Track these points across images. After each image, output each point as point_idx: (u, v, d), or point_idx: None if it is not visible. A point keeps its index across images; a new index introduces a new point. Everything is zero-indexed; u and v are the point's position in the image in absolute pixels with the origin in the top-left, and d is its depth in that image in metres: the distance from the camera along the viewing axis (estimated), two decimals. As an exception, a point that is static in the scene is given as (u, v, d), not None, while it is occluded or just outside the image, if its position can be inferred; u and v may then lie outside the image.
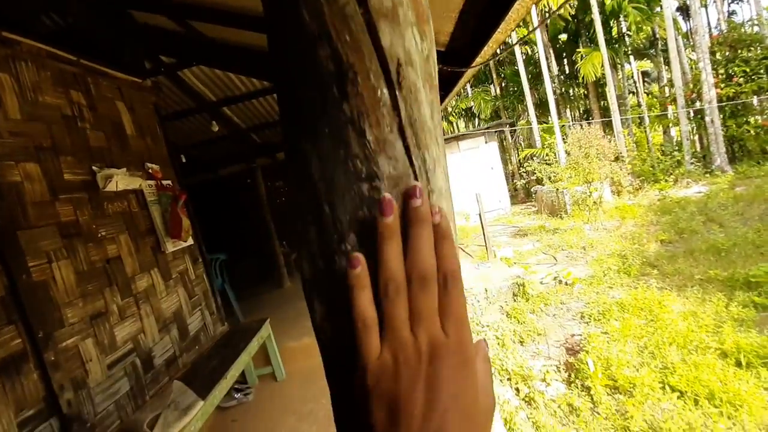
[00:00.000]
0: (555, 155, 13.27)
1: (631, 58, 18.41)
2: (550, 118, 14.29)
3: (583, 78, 14.72)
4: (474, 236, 10.10)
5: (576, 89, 17.93)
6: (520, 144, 19.50)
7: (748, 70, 11.72)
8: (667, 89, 17.46)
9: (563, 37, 16.43)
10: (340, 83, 0.28)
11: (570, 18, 15.26)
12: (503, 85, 19.08)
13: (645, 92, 21.32)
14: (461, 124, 22.47)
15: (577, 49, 14.91)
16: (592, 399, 3.23)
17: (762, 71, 11.60)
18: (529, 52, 17.46)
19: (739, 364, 3.22)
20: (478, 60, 2.01)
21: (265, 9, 0.32)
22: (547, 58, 15.07)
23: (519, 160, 17.34)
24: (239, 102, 4.95)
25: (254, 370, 3.67)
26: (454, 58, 2.37)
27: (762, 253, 5.31)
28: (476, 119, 20.77)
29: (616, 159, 10.69)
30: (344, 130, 0.28)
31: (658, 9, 13.91)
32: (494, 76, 19.14)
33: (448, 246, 0.30)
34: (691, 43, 14.50)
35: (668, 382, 3.15)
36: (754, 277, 4.50)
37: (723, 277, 4.81)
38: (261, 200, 6.50)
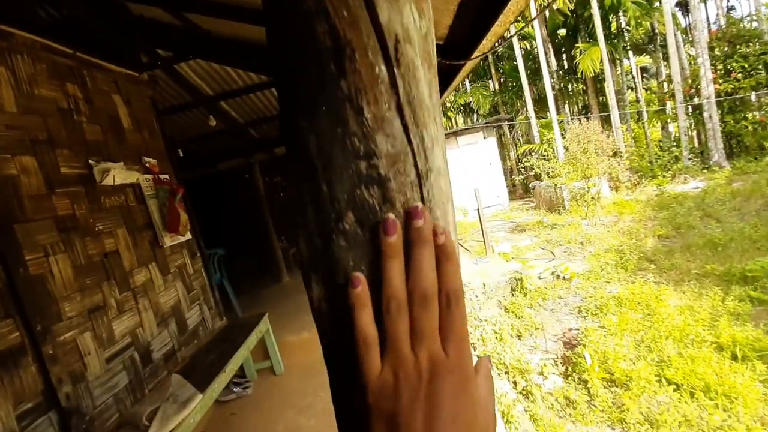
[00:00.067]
0: (553, 151, 13.26)
1: (630, 53, 18.36)
2: (548, 114, 14.28)
3: (581, 73, 14.67)
4: (472, 231, 10.11)
5: (575, 85, 17.88)
6: (519, 140, 19.49)
7: (746, 65, 11.71)
8: (665, 85, 17.44)
9: (562, 32, 16.36)
10: (337, 60, 0.28)
11: (569, 13, 15.18)
12: (502, 80, 19.01)
13: (644, 88, 21.31)
14: (460, 119, 22.42)
15: (576, 45, 14.85)
16: (589, 392, 3.25)
17: (760, 67, 11.59)
18: (528, 47, 17.37)
19: (734, 357, 3.25)
20: (477, 53, 2.01)
21: (263, -16, 0.32)
22: (546, 54, 15.02)
23: (517, 156, 17.33)
24: (237, 96, 4.93)
25: (253, 364, 3.68)
26: (453, 52, 2.36)
27: (758, 247, 5.34)
28: (475, 115, 20.72)
29: (615, 154, 10.69)
30: (342, 108, 0.28)
31: (658, 4, 13.86)
32: (493, 71, 19.07)
33: (451, 266, 0.30)
34: (690, 39, 14.46)
35: (664, 375, 3.18)
36: (750, 272, 4.53)
37: (720, 271, 4.84)
38: (259, 195, 6.49)
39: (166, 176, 3.22)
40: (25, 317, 1.84)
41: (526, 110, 15.59)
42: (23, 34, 2.20)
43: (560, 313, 4.87)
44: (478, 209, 7.38)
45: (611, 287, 5.18)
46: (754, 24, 14.41)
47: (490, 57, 18.34)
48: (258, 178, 6.47)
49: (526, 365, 3.70)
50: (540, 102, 16.41)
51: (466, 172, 13.17)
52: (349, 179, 0.29)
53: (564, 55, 17.66)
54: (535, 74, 16.45)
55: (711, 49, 12.36)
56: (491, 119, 15.58)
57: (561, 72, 17.28)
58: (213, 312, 3.55)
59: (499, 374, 3.69)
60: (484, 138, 14.06)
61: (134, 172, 2.81)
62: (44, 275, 1.99)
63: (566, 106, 18.05)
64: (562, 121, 14.54)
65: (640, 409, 2.90)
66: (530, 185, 14.59)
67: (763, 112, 12.19)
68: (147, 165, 3.03)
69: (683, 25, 18.03)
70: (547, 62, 14.95)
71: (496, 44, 2.04)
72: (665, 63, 17.16)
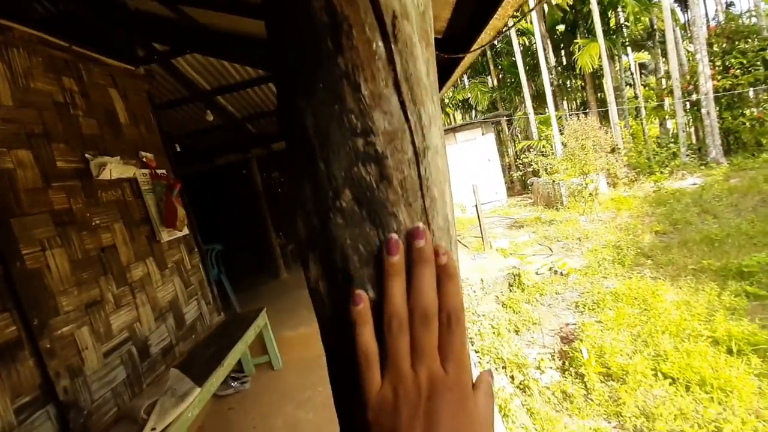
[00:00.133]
0: (551, 147, 13.27)
1: (629, 49, 18.34)
2: (547, 110, 14.27)
3: (580, 69, 14.66)
4: (470, 228, 10.13)
5: (573, 81, 17.87)
6: (517, 136, 19.49)
7: (744, 61, 11.72)
8: (663, 81, 17.45)
9: (561, 27, 16.32)
10: (334, 36, 0.27)
11: (568, 8, 15.15)
12: (500, 76, 18.97)
13: (642, 84, 21.31)
14: (458, 115, 22.39)
15: (575, 40, 14.82)
16: (585, 386, 3.27)
17: (759, 63, 11.60)
18: (527, 43, 17.33)
19: (730, 351, 3.27)
20: (476, 46, 2.00)
21: (259, -40, 0.31)
22: (544, 49, 14.99)
23: (516, 152, 17.34)
24: (234, 91, 4.90)
25: (251, 359, 3.68)
26: (452, 46, 2.35)
27: (755, 243, 5.37)
28: (473, 111, 20.68)
29: (612, 151, 10.71)
30: (339, 85, 0.28)
31: (656, 0, 13.85)
32: (491, 67, 19.03)
33: (452, 286, 0.31)
34: (689, 35, 14.45)
35: (660, 369, 3.20)
36: (746, 267, 4.55)
37: (716, 267, 4.87)
38: (257, 191, 6.47)
39: (163, 171, 3.21)
40: (22, 311, 1.83)
41: (525, 106, 15.58)
42: (20, 28, 2.18)
43: (557, 308, 4.89)
44: (476, 205, 7.39)
45: (608, 282, 5.20)
46: (753, 20, 14.41)
47: (488, 53, 18.32)
48: (255, 174, 6.45)
49: (523, 360, 3.72)
50: (538, 98, 16.40)
51: (465, 169, 13.17)
52: (347, 157, 0.29)
53: (562, 51, 17.63)
54: (533, 70, 16.42)
55: (710, 45, 12.36)
56: (489, 115, 15.56)
57: (559, 68, 17.26)
58: (211, 307, 3.55)
59: (496, 369, 3.71)
60: (483, 134, 14.05)
61: (131, 166, 2.80)
62: (41, 269, 1.98)
63: (564, 102, 18.06)
64: (560, 118, 14.54)
65: (636, 403, 2.92)
66: (528, 181, 14.60)
67: (760, 108, 12.21)
68: (144, 160, 3.01)
69: (682, 21, 18.01)
70: (546, 58, 14.92)
71: (495, 38, 2.03)
72: (664, 59, 17.15)
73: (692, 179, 10.77)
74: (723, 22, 15.32)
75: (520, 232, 9.24)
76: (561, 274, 5.76)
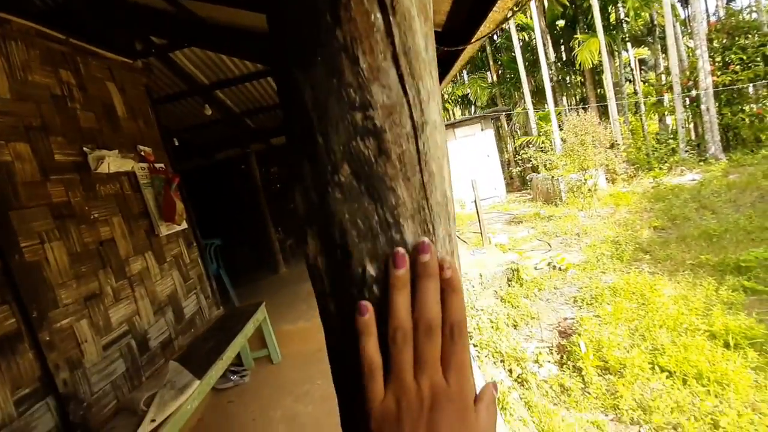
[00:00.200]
0: (551, 143, 13.26)
1: (629, 45, 18.29)
2: (546, 106, 14.24)
3: (580, 65, 14.62)
4: (469, 223, 10.14)
5: (573, 77, 17.82)
6: (516, 132, 19.46)
7: (744, 57, 11.68)
8: (663, 77, 17.42)
9: (561, 23, 16.25)
10: (333, 8, 0.27)
11: (568, 3, 15.08)
12: (500, 72, 18.90)
13: (642, 80, 21.27)
14: (457, 111, 22.33)
15: (575, 36, 14.76)
16: (583, 379, 3.29)
17: (759, 59, 11.57)
18: (527, 39, 17.26)
19: (727, 345, 3.29)
20: (475, 38, 1.99)
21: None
22: (544, 45, 14.93)
23: (515, 148, 17.31)
24: (232, 85, 4.88)
25: (250, 352, 3.70)
26: (452, 39, 2.34)
27: (753, 238, 5.39)
28: (472, 107, 20.63)
29: (612, 146, 10.71)
30: (337, 58, 0.28)
31: (657, -5, 13.79)
32: (491, 62, 18.96)
33: (456, 299, 0.32)
34: (689, 30, 14.38)
35: (658, 363, 3.21)
36: (744, 262, 4.57)
37: (714, 262, 4.88)
38: (256, 186, 6.46)
39: (162, 165, 3.20)
40: (21, 303, 1.83)
41: (524, 102, 15.54)
42: (18, 21, 2.17)
43: (556, 303, 4.91)
44: (475, 201, 7.39)
45: (606, 277, 5.22)
46: (754, 15, 14.35)
47: (488, 48, 18.25)
48: (254, 169, 6.44)
49: (521, 354, 3.73)
50: (538, 94, 16.36)
51: (464, 164, 13.15)
52: (345, 131, 0.29)
53: (562, 47, 17.58)
54: (533, 66, 16.37)
55: (710, 40, 12.32)
56: (489, 111, 15.53)
57: (559, 64, 17.21)
58: (210, 301, 3.55)
59: (494, 362, 3.73)
60: (482, 130, 14.02)
61: (129, 160, 2.79)
62: (40, 262, 1.98)
63: (564, 98, 18.02)
64: (559, 113, 14.52)
65: (633, 396, 2.94)
66: (527, 177, 14.60)
67: (760, 104, 12.20)
68: (142, 153, 3.01)
69: (682, 16, 17.93)
70: (546, 54, 14.88)
71: (494, 30, 2.03)
72: (664, 55, 17.10)
73: (691, 175, 10.78)
74: (723, 17, 15.27)
75: (518, 227, 9.26)
76: (559, 269, 5.78)
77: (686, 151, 12.69)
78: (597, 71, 15.44)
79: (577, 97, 18.53)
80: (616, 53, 16.40)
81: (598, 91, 16.12)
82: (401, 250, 0.30)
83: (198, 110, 5.06)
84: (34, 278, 1.93)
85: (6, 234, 1.83)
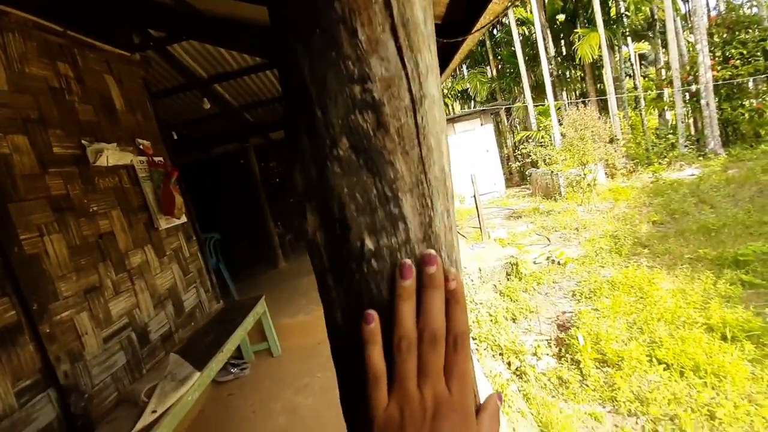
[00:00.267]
0: (550, 138, 13.24)
1: (629, 39, 18.22)
2: (546, 101, 14.20)
3: (580, 60, 14.57)
4: (469, 218, 10.14)
5: (573, 71, 17.76)
6: (516, 127, 19.43)
7: (745, 52, 11.65)
8: (663, 72, 17.37)
9: (561, 17, 16.16)
10: (331, -21, 0.27)
11: (568, -3, 15.01)
12: (500, 66, 18.83)
13: (642, 75, 21.20)
14: (457, 106, 22.26)
15: (575, 30, 14.70)
16: (581, 372, 3.31)
17: (759, 53, 11.54)
18: (527, 33, 17.18)
19: (724, 338, 3.31)
20: (475, 29, 1.98)
21: None
22: (544, 39, 14.86)
23: (514, 143, 17.30)
24: (231, 79, 4.85)
25: (250, 346, 3.71)
26: (451, 30, 2.33)
27: (751, 233, 5.40)
28: (472, 102, 20.56)
29: (611, 141, 10.70)
30: (336, 30, 0.28)
31: (657, -11, 13.73)
32: (491, 57, 18.89)
33: (459, 310, 0.32)
34: (690, 25, 14.32)
35: (655, 356, 3.24)
36: (742, 256, 4.59)
37: (712, 256, 4.90)
38: (255, 180, 6.45)
39: (161, 159, 3.20)
40: (21, 296, 1.83)
41: (524, 97, 15.49)
42: (15, 12, 2.15)
43: (554, 296, 4.93)
44: (474, 196, 7.39)
45: (605, 272, 5.24)
46: (754, 10, 14.30)
47: (488, 43, 18.17)
48: (253, 163, 6.42)
49: (520, 347, 3.75)
50: (538, 89, 16.30)
51: (463, 159, 13.14)
52: (344, 104, 0.29)
53: (562, 41, 17.50)
54: (533, 60, 16.31)
55: (710, 35, 12.28)
56: (488, 106, 15.48)
57: (559, 58, 17.14)
58: (210, 295, 3.56)
59: (493, 355, 3.75)
60: (482, 125, 13.99)
61: (128, 153, 2.79)
62: (39, 254, 1.98)
63: (564, 93, 17.96)
64: (559, 108, 14.48)
65: (631, 388, 2.96)
66: (527, 172, 14.59)
67: (760, 99, 12.18)
68: (141, 147, 3.00)
69: (683, 11, 17.84)
70: (546, 48, 14.81)
71: (493, 21, 2.02)
72: (664, 50, 17.05)
73: (690, 170, 10.79)
74: (724, 12, 15.20)
75: (518, 222, 9.27)
76: (558, 263, 5.79)
77: (685, 146, 12.69)
78: (597, 66, 15.39)
79: (577, 92, 18.48)
80: (617, 48, 16.34)
81: (598, 85, 16.07)
82: (408, 261, 0.31)
83: (196, 104, 5.04)
84: (34, 271, 1.93)
85: (5, 226, 1.83)
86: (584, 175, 9.68)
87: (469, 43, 2.46)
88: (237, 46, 3.88)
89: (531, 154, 12.68)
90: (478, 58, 19.59)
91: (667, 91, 14.97)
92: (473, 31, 1.97)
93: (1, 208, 1.83)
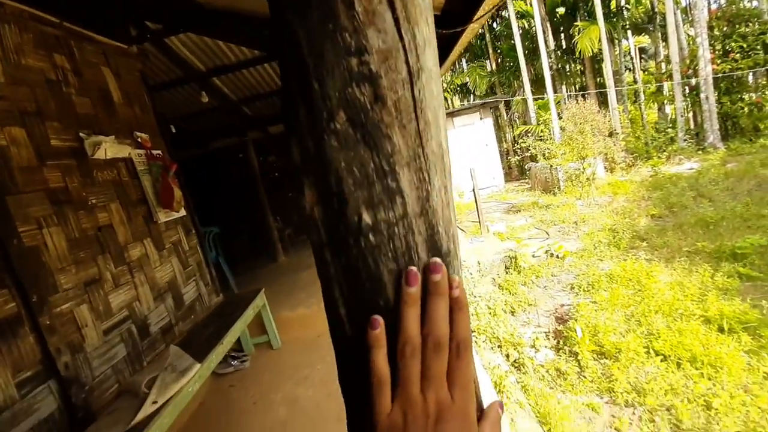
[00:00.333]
0: (550, 132, 13.21)
1: (629, 33, 18.13)
2: (545, 94, 14.15)
3: (579, 53, 14.49)
4: (468, 212, 10.15)
5: (572, 65, 17.67)
6: (515, 121, 19.37)
7: (745, 45, 11.60)
8: (663, 65, 17.31)
9: (561, 10, 16.07)
10: (327, -51, 0.27)
11: (568, -10, 14.91)
12: (499, 60, 18.74)
13: (641, 69, 21.13)
14: (456, 100, 22.17)
15: (575, 23, 14.61)
16: (579, 364, 3.33)
17: (759, 47, 11.49)
18: (526, 26, 17.08)
19: (721, 329, 3.32)
20: (474, 19, 1.97)
21: None
22: (544, 33, 14.77)
23: (513, 137, 17.26)
24: (229, 72, 4.83)
25: (250, 338, 3.73)
26: (450, 21, 2.32)
27: (749, 226, 5.41)
28: (471, 96, 20.48)
29: (611, 135, 10.68)
30: (333, 1, 0.28)
31: (658, -19, 13.63)
32: (490, 51, 18.78)
33: (463, 317, 0.33)
34: (690, 18, 14.25)
35: (653, 347, 3.25)
36: (740, 249, 4.60)
37: (710, 249, 4.91)
38: (254, 174, 6.44)
39: (159, 152, 3.19)
40: (21, 288, 1.84)
41: (523, 91, 15.43)
42: (11, 3, 2.14)
43: (553, 289, 4.95)
44: (473, 190, 7.39)
45: (604, 265, 5.25)
46: (754, 3, 14.23)
47: (487, 36, 18.06)
48: (252, 157, 6.41)
49: (518, 339, 3.78)
50: (537, 82, 16.24)
51: (463, 153, 13.12)
52: (341, 76, 0.29)
53: (562, 35, 17.40)
54: (532, 54, 16.22)
55: (710, 28, 12.20)
56: (488, 100, 15.42)
57: (559, 52, 17.05)
58: (209, 288, 3.57)
59: (492, 348, 3.77)
60: (481, 119, 13.95)
61: (126, 146, 2.78)
62: (38, 247, 1.99)
63: (563, 86, 17.88)
64: (559, 102, 14.43)
65: (628, 379, 2.98)
66: (526, 167, 14.58)
67: (759, 93, 12.16)
68: (139, 140, 2.99)
69: (683, 3, 17.74)
70: (545, 42, 14.72)
71: (491, 11, 2.01)
72: (664, 43, 16.98)
73: (689, 164, 10.78)
74: (724, 5, 15.12)
75: (517, 216, 9.27)
76: (557, 256, 5.81)
77: (685, 140, 12.68)
78: (597, 59, 15.32)
79: (577, 86, 18.41)
80: (617, 41, 16.27)
81: (598, 79, 16.02)
82: (414, 269, 0.32)
83: (194, 98, 5.01)
84: (33, 263, 1.94)
85: (4, 219, 1.83)
86: (583, 169, 9.68)
87: (469, 34, 2.45)
88: (235, 39, 3.85)
89: (530, 148, 12.67)
90: (478, 51, 19.48)
91: (666, 85, 14.92)
92: (473, 20, 1.95)
93: (-1, 201, 1.83)
